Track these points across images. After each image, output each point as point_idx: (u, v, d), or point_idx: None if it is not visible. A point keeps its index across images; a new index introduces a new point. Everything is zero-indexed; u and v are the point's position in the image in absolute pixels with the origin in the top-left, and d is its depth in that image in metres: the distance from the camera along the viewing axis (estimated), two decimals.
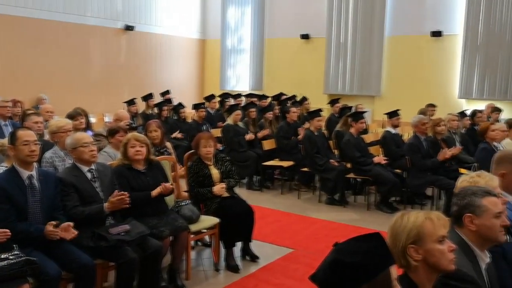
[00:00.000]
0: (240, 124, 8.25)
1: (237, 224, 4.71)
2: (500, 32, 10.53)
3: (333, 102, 10.15)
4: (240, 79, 14.40)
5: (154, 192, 4.14)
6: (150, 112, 9.73)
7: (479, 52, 10.81)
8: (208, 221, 4.63)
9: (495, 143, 6.55)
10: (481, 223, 2.33)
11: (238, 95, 11.35)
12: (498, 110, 9.22)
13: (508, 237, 2.81)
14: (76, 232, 3.36)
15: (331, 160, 7.26)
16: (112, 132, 5.02)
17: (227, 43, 14.49)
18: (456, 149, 6.86)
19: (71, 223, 3.38)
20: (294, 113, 8.05)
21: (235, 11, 14.29)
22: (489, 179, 2.81)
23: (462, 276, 2.13)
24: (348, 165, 7.22)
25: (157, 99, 10.35)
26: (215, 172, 4.89)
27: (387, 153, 7.44)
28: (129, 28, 12.68)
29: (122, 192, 3.67)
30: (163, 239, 3.97)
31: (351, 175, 7.23)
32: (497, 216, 2.33)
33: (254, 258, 4.90)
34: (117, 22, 12.55)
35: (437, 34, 11.17)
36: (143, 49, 13.27)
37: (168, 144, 5.75)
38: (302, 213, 6.72)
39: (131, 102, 9.40)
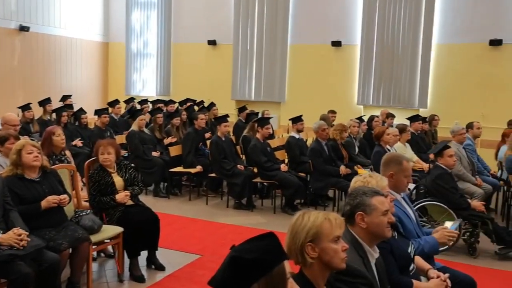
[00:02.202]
0: (146, 130, 8.07)
1: (141, 233, 4.59)
2: (392, 45, 11.38)
3: (240, 110, 10.29)
4: (146, 84, 14.09)
5: (44, 204, 3.89)
6: (48, 118, 9.18)
7: (374, 62, 11.59)
8: (110, 230, 4.46)
9: (388, 147, 7.06)
10: (370, 220, 2.49)
11: (144, 101, 11.09)
12: (392, 116, 9.93)
13: (394, 233, 3.04)
14: None
15: (238, 165, 7.35)
16: (1, 140, 4.66)
17: (132, 47, 14.12)
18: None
19: None
20: (201, 119, 8.04)
21: (140, 14, 13.97)
22: (379, 180, 3.02)
23: (353, 272, 2.26)
24: (255, 170, 7.36)
25: (57, 104, 9.79)
26: (118, 180, 4.74)
27: (292, 158, 7.70)
28: (24, 28, 11.86)
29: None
30: (61, 252, 3.76)
31: (258, 180, 7.38)
32: (384, 213, 2.52)
33: (159, 267, 4.81)
34: (11, 22, 11.69)
35: (337, 44, 11.79)
36: (40, 51, 12.48)
37: (68, 152, 5.46)
38: (210, 219, 6.72)
39: (26, 107, 8.79)
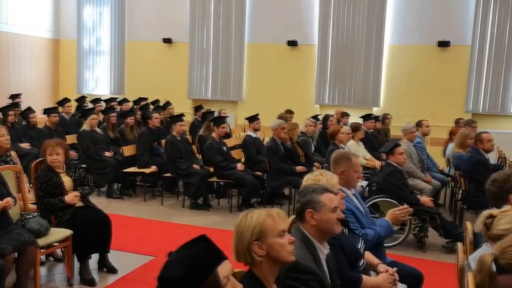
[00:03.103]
0: (98, 129, 7.86)
1: (92, 235, 4.46)
2: (347, 45, 11.59)
3: (196, 109, 10.21)
4: (99, 82, 13.72)
5: None
6: None
7: (330, 62, 11.76)
8: (59, 233, 4.32)
9: (342, 145, 7.19)
10: (320, 217, 2.52)
11: (97, 99, 10.80)
12: (347, 115, 10.12)
13: (345, 230, 3.09)
14: None
15: (194, 165, 7.29)
16: None
17: (84, 44, 13.71)
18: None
19: None
20: (156, 118, 7.91)
21: (92, 10, 13.58)
22: (329, 177, 3.06)
23: (303, 268, 2.28)
24: (211, 169, 7.32)
25: (2, 103, 9.37)
26: (66, 180, 4.59)
27: (248, 157, 7.71)
28: None
29: None
30: (5, 256, 3.61)
31: (214, 179, 7.34)
32: (333, 210, 2.55)
33: (111, 270, 4.69)
34: None
35: (293, 43, 11.90)
36: None
37: (13, 153, 5.25)
38: (165, 219, 6.63)
39: None
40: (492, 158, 7.99)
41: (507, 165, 7.32)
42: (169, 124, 8.60)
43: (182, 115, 7.67)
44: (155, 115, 7.98)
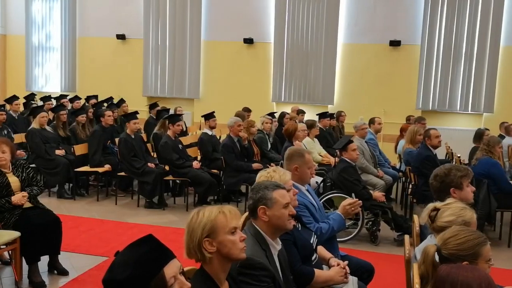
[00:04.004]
0: (48, 128, 7.60)
1: (41, 237, 4.32)
2: (302, 43, 11.73)
3: (151, 106, 10.06)
4: (49, 80, 13.26)
5: None
6: None
7: (286, 60, 11.87)
8: (6, 235, 4.16)
9: (297, 142, 7.28)
10: (272, 213, 2.54)
11: (48, 97, 10.44)
12: (302, 112, 10.24)
13: (298, 225, 3.14)
14: None
15: (149, 163, 7.18)
16: None
17: (33, 40, 13.22)
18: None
19: None
20: (109, 116, 7.73)
21: (42, 5, 13.10)
22: (282, 174, 3.10)
23: (255, 264, 2.29)
24: (166, 168, 7.23)
25: None
26: (14, 180, 4.43)
27: (204, 154, 7.67)
28: None
29: None
30: None
31: (170, 178, 7.26)
32: (285, 206, 2.58)
33: (62, 272, 4.56)
34: None
35: (249, 41, 11.91)
36: None
37: None
38: (119, 219, 6.51)
39: None
40: (441, 153, 8.33)
41: (454, 160, 7.61)
42: (123, 122, 8.43)
43: (136, 113, 7.53)
44: (108, 112, 7.80)
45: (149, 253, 1.63)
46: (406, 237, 3.12)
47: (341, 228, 3.66)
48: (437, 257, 2.13)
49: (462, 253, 2.10)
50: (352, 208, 3.52)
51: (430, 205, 2.64)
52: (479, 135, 7.71)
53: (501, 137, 8.86)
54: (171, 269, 1.66)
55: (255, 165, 7.08)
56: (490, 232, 6.34)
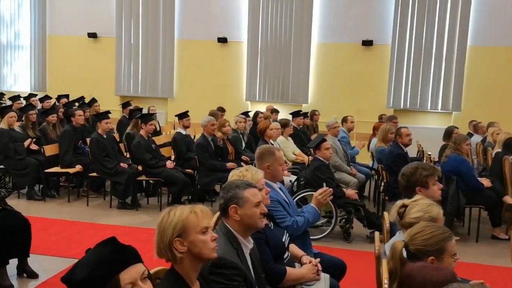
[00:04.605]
0: (17, 128, 7.42)
1: (9, 239, 4.22)
2: (276, 42, 11.77)
3: (124, 105, 9.94)
4: (18, 79, 12.96)
5: None
6: None
7: (260, 59, 11.89)
8: None
9: (271, 141, 7.31)
10: (243, 212, 2.54)
11: (16, 96, 10.19)
12: (276, 111, 10.28)
13: (270, 224, 3.15)
14: None
15: (122, 163, 7.09)
16: None
17: (1, 38, 12.91)
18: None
19: None
20: (79, 116, 7.60)
21: (10, 2, 12.79)
22: (254, 173, 3.10)
23: (227, 263, 2.30)
24: (139, 168, 7.16)
25: None
26: None
27: (178, 154, 7.62)
28: None
29: None
30: None
31: (143, 178, 7.19)
32: (257, 205, 2.58)
33: (32, 275, 4.47)
34: None
35: (223, 40, 11.89)
36: None
37: None
38: (91, 220, 6.41)
39: None
40: (413, 151, 8.49)
41: (425, 158, 7.77)
42: (94, 122, 8.29)
43: (108, 112, 7.43)
44: (78, 112, 7.66)
45: (108, 256, 1.60)
46: (376, 233, 3.18)
47: (315, 220, 3.74)
48: (405, 253, 2.17)
49: (428, 249, 2.14)
50: (324, 197, 3.56)
51: (399, 202, 2.69)
52: (448, 133, 7.88)
53: (470, 135, 9.08)
54: (129, 275, 1.62)
55: (229, 164, 7.06)
56: (459, 227, 6.49)
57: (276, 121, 8.79)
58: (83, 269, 1.56)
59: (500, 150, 6.83)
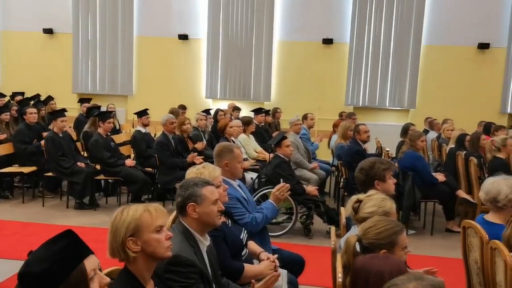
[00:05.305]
0: None
1: None
2: (237, 39, 11.76)
3: (82, 101, 9.70)
4: None
5: None
6: None
7: (221, 57, 11.85)
8: None
9: (233, 138, 7.30)
10: (201, 210, 2.53)
11: None
12: (238, 109, 10.28)
13: (228, 221, 3.15)
14: None
15: (79, 163, 6.91)
16: None
17: None
18: (199, 144, 7.37)
19: None
20: (31, 114, 7.37)
21: None
22: (212, 170, 3.09)
23: (183, 261, 2.28)
24: (98, 167, 7.01)
25: None
26: None
27: (138, 152, 7.50)
28: None
29: None
30: None
31: (101, 177, 7.04)
32: (214, 203, 2.57)
33: None
34: None
35: (183, 37, 11.78)
36: None
37: None
38: (47, 222, 6.23)
39: None
40: (373, 148, 8.67)
41: (383, 154, 7.94)
42: (50, 120, 8.05)
43: (63, 110, 7.22)
44: (30, 110, 7.43)
45: (69, 247, 1.59)
46: (332, 228, 3.23)
47: (274, 216, 3.79)
48: (358, 247, 2.21)
49: (380, 242, 2.19)
50: (282, 193, 3.59)
51: (354, 197, 2.74)
52: (405, 130, 8.09)
53: (426, 131, 9.36)
54: (90, 263, 1.63)
55: (190, 157, 6.92)
56: (415, 221, 6.68)
57: (238, 118, 8.79)
58: (41, 262, 1.53)
59: (453, 146, 7.08)
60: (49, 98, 9.70)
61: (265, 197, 5.94)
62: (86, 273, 1.60)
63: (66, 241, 1.61)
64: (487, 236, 2.95)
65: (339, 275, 2.20)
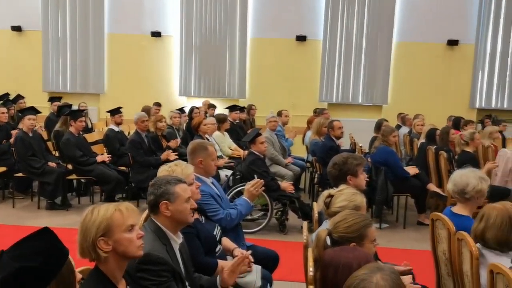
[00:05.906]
0: None
1: None
2: (210, 36, 11.72)
3: (52, 100, 9.52)
4: None
5: None
6: None
7: (195, 54, 11.79)
8: None
9: (207, 136, 7.28)
10: (174, 208, 2.52)
11: None
12: (213, 107, 10.25)
13: (201, 218, 3.14)
14: None
15: (50, 162, 6.78)
16: None
17: None
18: (173, 142, 7.33)
19: None
20: (0, 113, 7.19)
21: None
22: (184, 168, 3.08)
23: (155, 260, 2.27)
24: (69, 166, 6.89)
25: None
26: None
27: (111, 151, 7.41)
28: None
29: None
30: None
31: (73, 176, 6.93)
32: (187, 200, 2.57)
33: None
34: None
35: (156, 34, 11.66)
36: None
37: None
38: (18, 223, 6.10)
39: None
40: (347, 144, 8.77)
41: (357, 150, 8.05)
42: (20, 119, 7.86)
43: (32, 108, 7.07)
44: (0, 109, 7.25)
45: (55, 240, 1.61)
46: (304, 223, 3.26)
47: (248, 212, 3.82)
48: (329, 241, 2.24)
49: (350, 235, 2.23)
50: (256, 189, 3.61)
51: (325, 192, 2.77)
52: (378, 126, 8.21)
53: (398, 127, 9.52)
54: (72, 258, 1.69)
55: (164, 155, 6.87)
56: (388, 215, 6.80)
57: (213, 116, 8.77)
58: (36, 256, 1.52)
59: (424, 140, 7.22)
60: (19, 97, 9.49)
61: (240, 194, 5.90)
62: (73, 264, 1.63)
63: (49, 235, 1.60)
64: (454, 227, 3.03)
65: (310, 269, 2.23)
